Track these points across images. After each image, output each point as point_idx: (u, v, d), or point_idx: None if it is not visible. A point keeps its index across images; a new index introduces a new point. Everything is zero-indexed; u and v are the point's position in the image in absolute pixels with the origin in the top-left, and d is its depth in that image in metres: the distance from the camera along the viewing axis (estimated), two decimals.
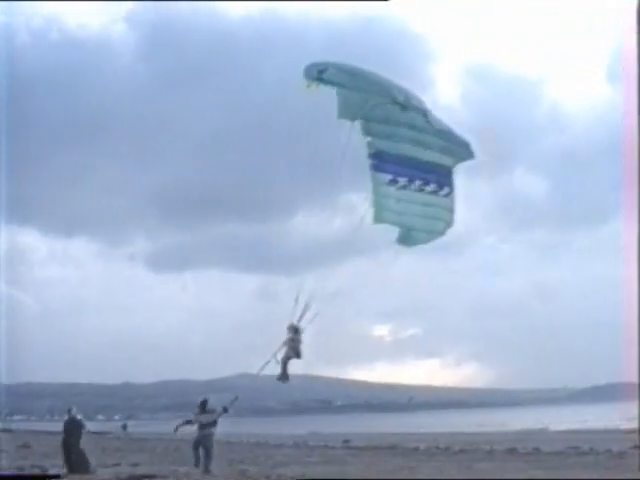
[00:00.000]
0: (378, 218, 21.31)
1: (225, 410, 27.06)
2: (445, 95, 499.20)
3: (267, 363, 23.00)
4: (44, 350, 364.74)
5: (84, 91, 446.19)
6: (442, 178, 21.76)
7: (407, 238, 22.07)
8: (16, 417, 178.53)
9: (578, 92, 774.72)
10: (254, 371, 24.17)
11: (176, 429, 28.81)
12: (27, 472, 32.03)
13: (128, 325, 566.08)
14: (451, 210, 22.24)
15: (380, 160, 20.98)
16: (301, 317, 22.37)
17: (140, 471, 31.38)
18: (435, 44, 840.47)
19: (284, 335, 22.71)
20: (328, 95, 20.28)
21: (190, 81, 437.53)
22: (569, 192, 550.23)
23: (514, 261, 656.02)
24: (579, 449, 46.89)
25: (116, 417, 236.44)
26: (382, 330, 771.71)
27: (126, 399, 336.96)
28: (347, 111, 20.29)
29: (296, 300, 21.91)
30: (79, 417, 30.72)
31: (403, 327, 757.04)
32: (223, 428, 28.40)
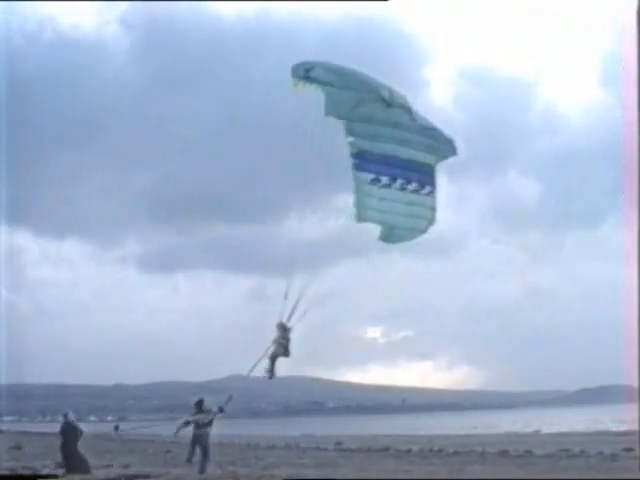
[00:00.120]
0: (361, 217, 21.48)
1: (221, 410, 27.01)
2: (439, 97, 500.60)
3: (257, 364, 23.13)
4: (36, 351, 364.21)
5: (78, 92, 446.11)
6: (424, 177, 21.87)
7: (389, 236, 22.23)
8: (7, 418, 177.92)
9: (572, 95, 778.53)
10: (246, 372, 24.19)
11: (177, 431, 28.73)
12: (19, 473, 31.87)
13: (120, 326, 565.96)
14: (433, 208, 22.33)
15: (362, 159, 21.10)
16: (290, 316, 22.42)
17: (132, 472, 31.28)
18: (429, 45, 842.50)
19: (275, 335, 22.84)
20: (319, 95, 20.34)
21: (184, 82, 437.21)
22: (562, 194, 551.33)
23: (507, 263, 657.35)
24: (571, 451, 46.94)
25: (109, 418, 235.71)
26: (375, 332, 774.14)
27: (118, 400, 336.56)
28: (334, 108, 20.39)
29: (285, 298, 21.96)
30: (75, 421, 30.57)
31: (396, 329, 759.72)
32: (214, 429, 28.31)
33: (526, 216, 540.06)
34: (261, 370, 23.58)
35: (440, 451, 52.08)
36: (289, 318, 22.40)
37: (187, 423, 27.99)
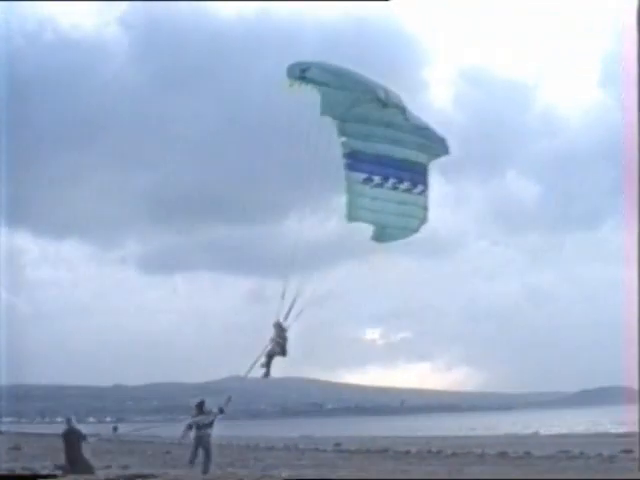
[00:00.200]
0: (352, 216, 21.66)
1: (221, 411, 27.04)
2: (438, 97, 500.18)
3: (254, 364, 23.30)
4: (35, 352, 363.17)
5: (77, 92, 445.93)
6: (416, 176, 22.04)
7: (381, 235, 22.40)
8: (6, 419, 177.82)
9: (571, 96, 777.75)
10: (244, 373, 24.26)
11: (183, 437, 28.68)
12: (17, 474, 31.85)
13: (119, 327, 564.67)
14: (425, 207, 22.51)
15: (354, 159, 21.28)
16: (287, 315, 22.65)
17: (131, 473, 31.25)
18: (429, 46, 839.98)
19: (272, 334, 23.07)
20: (315, 96, 20.39)
21: (184, 82, 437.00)
22: (562, 195, 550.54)
23: (506, 264, 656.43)
24: (570, 453, 46.91)
25: (107, 419, 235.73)
26: (374, 333, 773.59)
27: (117, 401, 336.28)
28: (330, 108, 20.48)
29: (282, 297, 22.20)
30: (76, 425, 30.56)
31: (395, 330, 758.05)
32: (213, 430, 28.29)
33: (525, 217, 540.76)
34: (259, 371, 23.72)
35: (439, 452, 52.07)
36: (286, 317, 22.66)
37: (190, 427, 27.99)
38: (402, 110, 21.05)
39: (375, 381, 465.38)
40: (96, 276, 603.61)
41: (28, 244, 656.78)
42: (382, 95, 20.67)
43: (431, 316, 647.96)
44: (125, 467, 36.22)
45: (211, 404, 28.09)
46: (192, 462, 28.23)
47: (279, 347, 23.06)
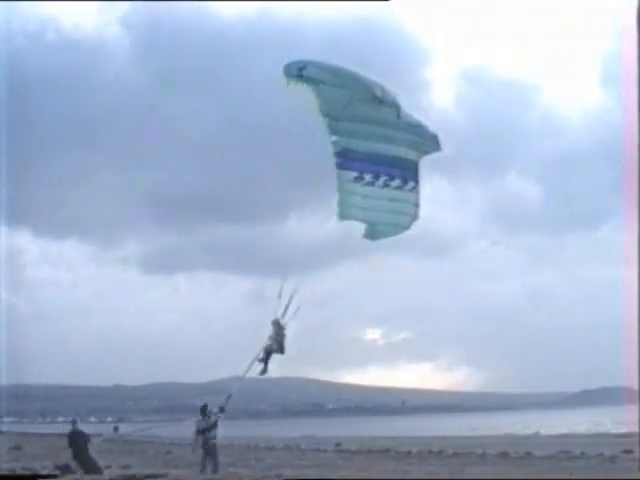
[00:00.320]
0: (343, 215, 21.73)
1: (221, 410, 27.03)
2: (440, 97, 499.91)
3: (253, 363, 23.49)
4: (36, 352, 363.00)
5: (79, 92, 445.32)
6: (407, 173, 22.14)
7: (372, 233, 22.48)
8: (7, 419, 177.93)
9: (572, 96, 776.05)
10: (247, 374, 24.37)
11: (194, 450, 28.55)
12: (18, 473, 31.87)
13: (120, 327, 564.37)
14: (416, 204, 22.59)
15: (345, 158, 21.35)
16: (284, 313, 22.88)
17: (131, 472, 31.24)
18: (430, 46, 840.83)
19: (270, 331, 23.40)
20: (312, 94, 20.45)
21: (185, 82, 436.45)
22: (563, 196, 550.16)
23: (507, 265, 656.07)
24: (571, 453, 46.95)
25: (108, 419, 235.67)
26: (374, 333, 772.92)
27: (118, 401, 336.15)
28: (327, 106, 20.56)
29: (279, 295, 22.43)
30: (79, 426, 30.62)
31: (396, 330, 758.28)
32: (218, 430, 28.27)
33: (526, 217, 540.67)
34: (257, 369, 23.87)
35: (440, 452, 52.11)
36: (283, 315, 22.90)
37: (199, 432, 27.97)
38: (396, 108, 21.16)
39: (376, 381, 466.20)
40: (97, 276, 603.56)
41: (29, 244, 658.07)
42: (379, 93, 20.79)
43: (432, 316, 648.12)
44: (126, 467, 36.22)
45: (211, 404, 28.10)
46: (203, 471, 28.22)
47: (277, 344, 23.30)
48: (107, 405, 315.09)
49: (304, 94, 20.51)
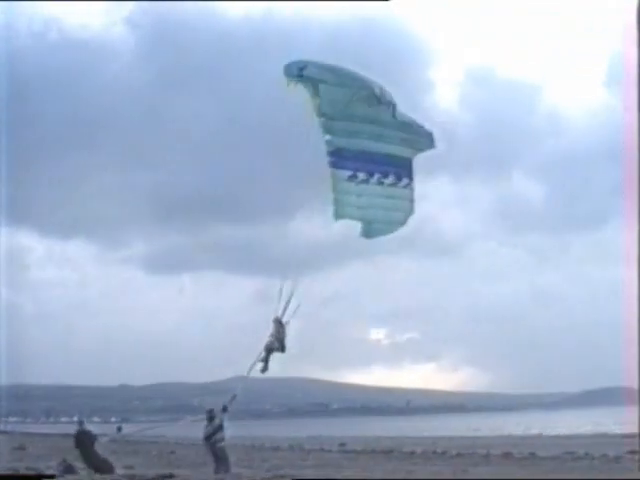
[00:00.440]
0: (339, 214, 22.03)
1: (225, 409, 27.09)
2: (444, 98, 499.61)
3: (255, 362, 23.66)
4: (40, 352, 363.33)
5: (83, 92, 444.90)
6: (401, 170, 22.49)
7: (369, 231, 22.80)
8: (11, 419, 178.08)
9: (577, 96, 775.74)
10: (250, 374, 24.46)
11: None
12: (22, 474, 31.81)
13: (125, 327, 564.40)
14: (411, 200, 22.94)
15: (339, 157, 21.64)
16: (284, 312, 23.18)
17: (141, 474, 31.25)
18: (434, 47, 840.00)
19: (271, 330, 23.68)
20: (312, 94, 20.54)
21: (189, 82, 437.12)
22: (567, 196, 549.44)
23: (512, 265, 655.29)
24: (575, 454, 46.86)
25: (112, 419, 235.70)
26: (379, 333, 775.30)
27: (122, 401, 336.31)
28: (329, 107, 20.70)
29: (280, 293, 22.72)
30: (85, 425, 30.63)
31: (400, 331, 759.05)
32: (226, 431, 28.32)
33: (531, 217, 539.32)
34: (265, 372, 23.98)
35: (444, 453, 52.08)
36: (283, 314, 23.25)
37: (205, 439, 28.02)
38: (393, 107, 21.33)
39: (380, 381, 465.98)
40: (101, 276, 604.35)
41: (34, 244, 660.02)
42: (378, 92, 20.93)
43: (436, 316, 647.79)
44: (129, 467, 36.18)
45: (217, 404, 28.14)
46: (217, 472, 28.30)
47: (278, 342, 23.44)
48: (112, 405, 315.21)
49: (303, 94, 20.62)
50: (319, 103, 20.72)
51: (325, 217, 22.05)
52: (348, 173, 21.65)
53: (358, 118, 21.32)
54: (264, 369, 24.01)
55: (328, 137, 21.29)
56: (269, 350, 23.64)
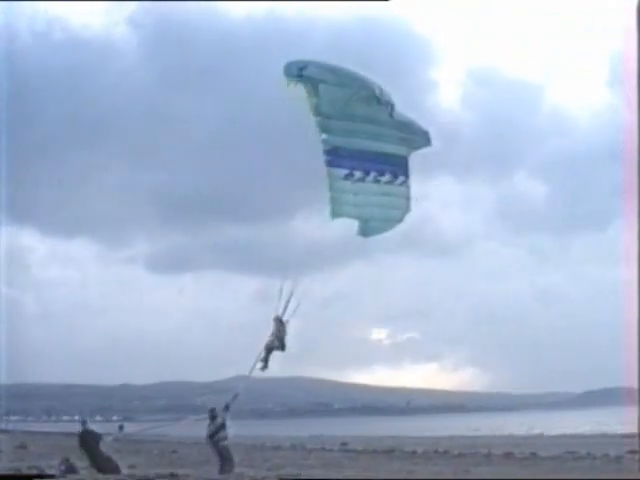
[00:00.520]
0: (336, 213, 22.16)
1: (227, 408, 27.18)
2: (446, 98, 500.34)
3: (257, 361, 23.79)
4: (42, 350, 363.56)
5: (86, 92, 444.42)
6: (397, 168, 22.67)
7: (366, 229, 22.97)
8: (13, 418, 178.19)
9: (579, 96, 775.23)
10: (252, 374, 24.56)
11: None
12: (24, 473, 31.85)
13: (127, 326, 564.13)
14: (407, 197, 23.13)
15: (335, 156, 21.78)
16: (284, 311, 23.34)
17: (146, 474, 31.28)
18: (437, 46, 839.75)
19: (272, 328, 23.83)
20: (311, 94, 20.63)
21: (192, 82, 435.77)
22: (570, 196, 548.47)
23: (514, 265, 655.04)
24: (576, 454, 46.90)
25: (114, 418, 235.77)
26: (380, 333, 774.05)
27: (124, 400, 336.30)
28: (329, 107, 20.84)
29: (280, 292, 22.89)
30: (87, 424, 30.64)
31: (402, 330, 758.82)
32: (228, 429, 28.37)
33: (534, 217, 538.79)
34: (266, 371, 24.09)
35: (445, 453, 52.11)
36: (283, 313, 23.42)
37: (209, 438, 28.08)
38: (391, 107, 21.48)
39: (382, 381, 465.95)
40: (103, 275, 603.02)
41: (36, 243, 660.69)
42: (378, 92, 21.05)
43: (437, 316, 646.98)
44: (132, 467, 36.21)
45: (219, 403, 28.20)
46: (221, 472, 28.36)
47: (278, 341, 23.62)
48: (114, 404, 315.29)
49: (302, 94, 20.72)
50: (316, 102, 20.87)
51: (326, 217, 22.14)
52: (344, 172, 21.81)
53: (355, 117, 21.50)
54: (264, 367, 24.18)
55: (324, 136, 21.43)
56: (269, 349, 23.82)
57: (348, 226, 22.67)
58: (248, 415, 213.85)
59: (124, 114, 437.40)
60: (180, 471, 30.41)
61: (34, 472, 31.60)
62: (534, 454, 47.65)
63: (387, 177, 22.32)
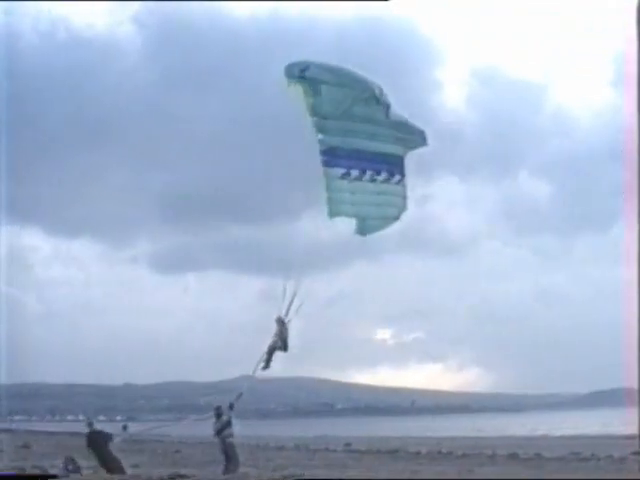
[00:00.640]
0: (333, 212, 22.32)
1: (231, 407, 27.22)
2: (451, 98, 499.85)
3: (260, 362, 23.89)
4: (45, 350, 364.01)
5: (90, 91, 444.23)
6: (393, 167, 22.82)
7: (363, 228, 23.11)
8: (16, 417, 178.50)
9: (583, 96, 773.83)
10: (255, 374, 24.62)
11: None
12: (27, 473, 31.84)
13: (130, 326, 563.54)
14: (403, 196, 23.23)
15: (332, 156, 21.93)
16: (287, 311, 23.43)
17: (138, 472, 31.28)
18: (441, 47, 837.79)
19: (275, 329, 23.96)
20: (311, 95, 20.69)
21: (196, 82, 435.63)
22: (573, 196, 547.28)
23: (517, 265, 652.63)
24: (580, 455, 46.87)
25: (118, 418, 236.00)
26: (385, 334, 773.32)
27: (128, 400, 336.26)
28: (330, 107, 20.94)
29: (283, 292, 22.95)
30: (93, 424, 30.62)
31: (406, 331, 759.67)
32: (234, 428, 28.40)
33: (537, 218, 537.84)
34: (270, 371, 24.16)
35: (449, 453, 52.06)
36: (286, 313, 23.51)
37: (215, 435, 28.13)
38: (387, 107, 21.61)
39: (386, 381, 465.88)
40: (107, 275, 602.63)
41: (40, 242, 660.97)
42: (378, 92, 21.17)
43: (442, 316, 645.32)
44: (135, 466, 36.22)
45: (223, 404, 28.23)
46: (225, 472, 28.40)
47: (281, 341, 23.79)
48: (117, 404, 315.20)
49: (301, 95, 20.80)
50: (314, 103, 20.99)
51: (327, 217, 22.25)
52: (341, 171, 21.99)
53: (353, 118, 21.70)
54: (266, 367, 24.27)
55: (321, 136, 21.56)
56: (271, 349, 23.90)
57: (351, 226, 22.75)
58: (251, 415, 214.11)
59: (128, 113, 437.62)
60: (184, 471, 30.42)
61: (37, 472, 31.61)
62: (538, 455, 47.62)
63: (383, 176, 22.53)
